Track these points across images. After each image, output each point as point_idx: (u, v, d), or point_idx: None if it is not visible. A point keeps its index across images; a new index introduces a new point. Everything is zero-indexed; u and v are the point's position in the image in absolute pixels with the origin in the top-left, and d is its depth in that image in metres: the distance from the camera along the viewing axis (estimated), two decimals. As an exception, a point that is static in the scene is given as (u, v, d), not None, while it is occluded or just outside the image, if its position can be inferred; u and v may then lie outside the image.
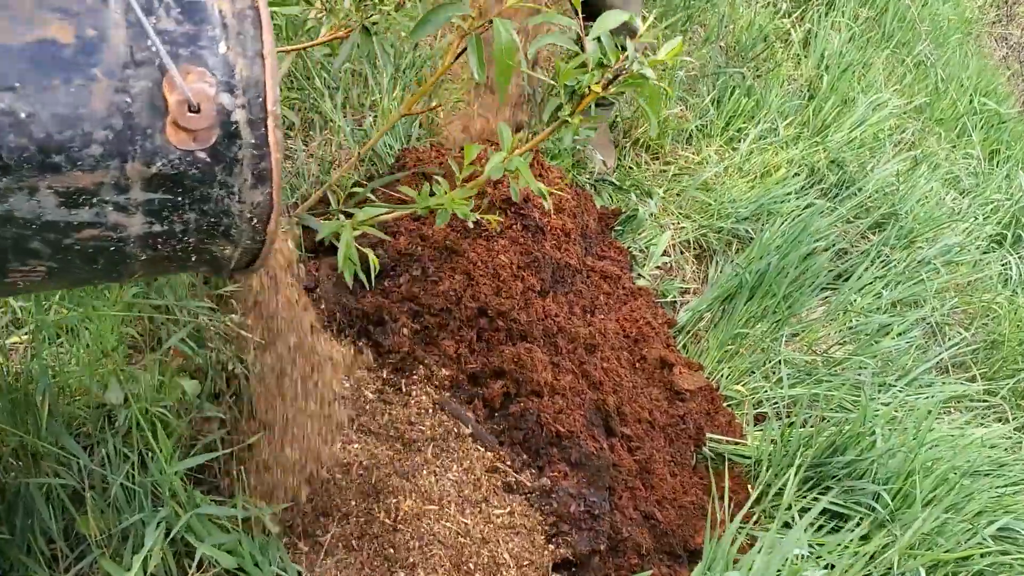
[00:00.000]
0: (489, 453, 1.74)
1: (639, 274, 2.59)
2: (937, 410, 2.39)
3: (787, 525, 1.83)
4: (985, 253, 3.48)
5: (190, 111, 0.70)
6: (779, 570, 1.50)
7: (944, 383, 2.70)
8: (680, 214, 2.87)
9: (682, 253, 2.79)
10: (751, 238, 2.84)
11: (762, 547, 1.49)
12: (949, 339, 2.95)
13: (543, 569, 1.64)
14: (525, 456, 1.78)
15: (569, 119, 1.39)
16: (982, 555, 1.92)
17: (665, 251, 2.72)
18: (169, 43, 0.70)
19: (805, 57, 3.90)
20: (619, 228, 2.69)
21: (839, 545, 1.79)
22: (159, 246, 0.77)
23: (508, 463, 1.75)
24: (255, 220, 0.80)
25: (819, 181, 3.23)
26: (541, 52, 2.60)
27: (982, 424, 2.53)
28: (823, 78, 3.73)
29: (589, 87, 1.34)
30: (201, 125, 0.71)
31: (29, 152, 0.66)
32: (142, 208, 0.73)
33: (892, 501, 1.90)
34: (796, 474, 1.82)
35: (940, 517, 1.86)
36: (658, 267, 2.69)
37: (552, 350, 1.94)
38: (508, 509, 1.68)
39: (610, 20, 1.31)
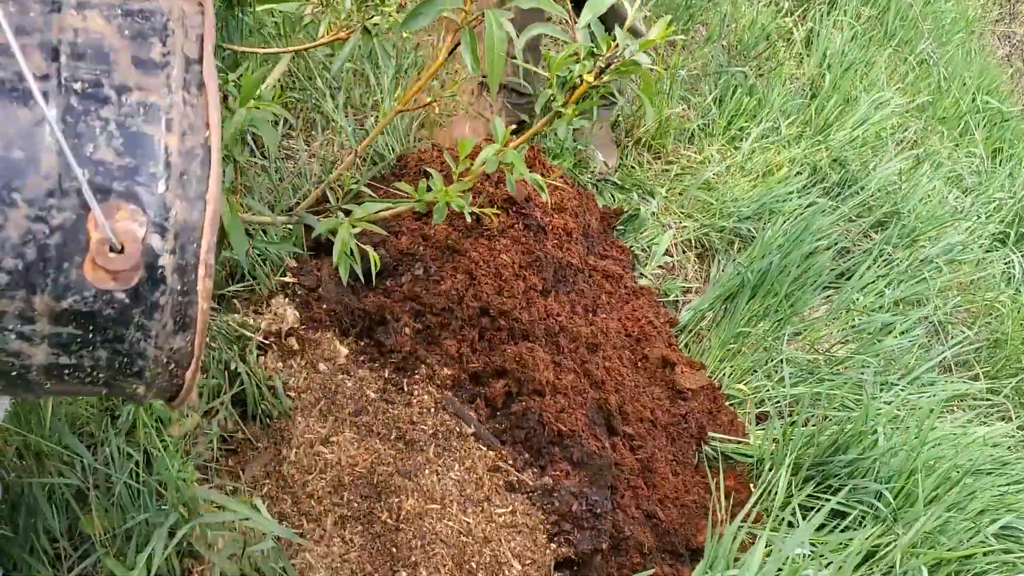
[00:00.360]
0: (491, 452, 1.75)
1: (641, 273, 2.59)
2: (940, 409, 2.39)
3: (789, 524, 1.83)
4: (988, 252, 3.47)
5: (112, 251, 0.65)
6: (780, 569, 1.50)
7: (947, 382, 2.70)
8: (682, 213, 2.87)
9: (684, 252, 2.79)
10: (753, 237, 2.84)
11: (764, 546, 1.49)
12: (952, 338, 2.95)
13: (545, 568, 1.64)
14: (527, 455, 1.78)
15: (562, 110, 1.39)
16: (984, 554, 1.92)
17: (667, 250, 2.72)
18: (103, 175, 0.65)
19: (807, 56, 3.90)
20: (621, 227, 2.69)
21: (841, 544, 1.80)
22: (66, 377, 0.73)
23: (510, 462, 1.75)
24: (173, 366, 0.75)
25: (821, 180, 3.22)
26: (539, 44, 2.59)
27: (984, 423, 2.53)
28: (825, 77, 3.73)
29: (581, 77, 1.34)
30: (122, 266, 0.66)
31: None
32: (48, 340, 0.68)
33: (894, 500, 1.90)
34: (798, 473, 1.83)
35: (942, 516, 1.86)
36: (660, 266, 2.69)
37: (554, 349, 1.94)
38: (510, 508, 1.68)
39: (598, 5, 1.30)
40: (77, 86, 0.64)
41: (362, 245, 1.53)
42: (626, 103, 3.03)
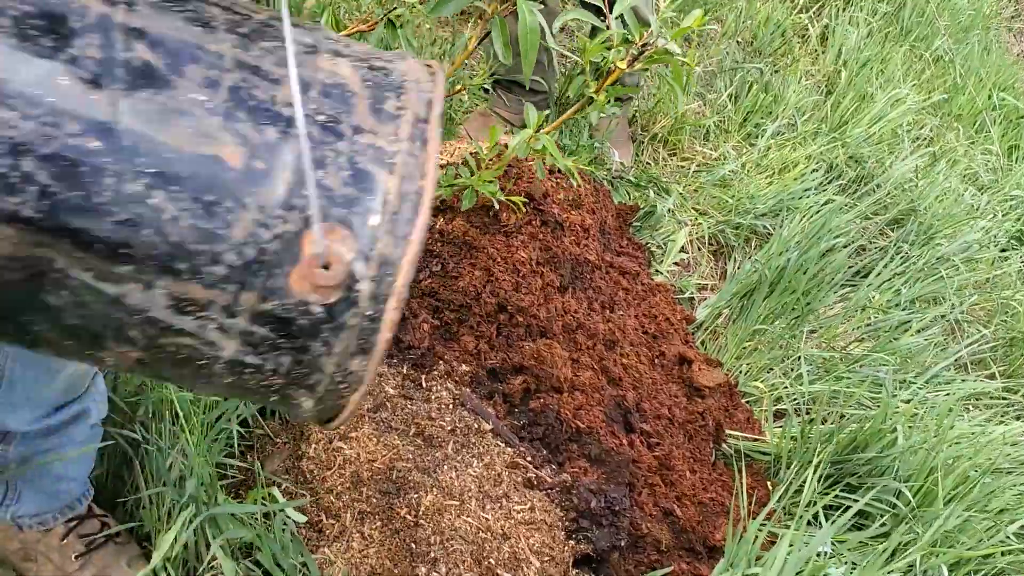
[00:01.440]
0: (509, 449, 1.74)
1: (657, 270, 2.58)
2: (958, 408, 2.38)
3: (808, 523, 1.82)
4: (1004, 250, 3.45)
5: (321, 267, 0.71)
6: (801, 569, 1.50)
7: (963, 380, 2.69)
8: (698, 210, 2.86)
9: (700, 249, 2.78)
10: (769, 234, 2.83)
11: (786, 545, 1.49)
12: (968, 336, 2.93)
13: (564, 565, 1.64)
14: (545, 452, 1.78)
15: (595, 96, 1.39)
16: (1003, 553, 1.91)
17: (683, 247, 2.71)
18: (327, 199, 0.71)
19: (823, 52, 3.88)
20: (637, 224, 2.68)
21: (861, 543, 1.79)
22: (244, 375, 0.77)
23: (528, 459, 1.74)
24: (344, 386, 0.79)
25: (837, 177, 3.21)
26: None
27: (1002, 422, 2.51)
28: (841, 73, 3.71)
29: (615, 64, 1.34)
30: (326, 283, 0.71)
31: (158, 251, 0.68)
32: (241, 337, 0.74)
33: (914, 498, 1.89)
34: (816, 471, 1.82)
35: (962, 515, 1.85)
36: (676, 263, 2.68)
37: (572, 346, 1.94)
38: (529, 505, 1.68)
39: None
40: (320, 118, 0.71)
41: None
42: (641, 99, 3.02)
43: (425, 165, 0.75)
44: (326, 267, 0.71)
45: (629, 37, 1.28)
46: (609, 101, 1.41)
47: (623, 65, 1.31)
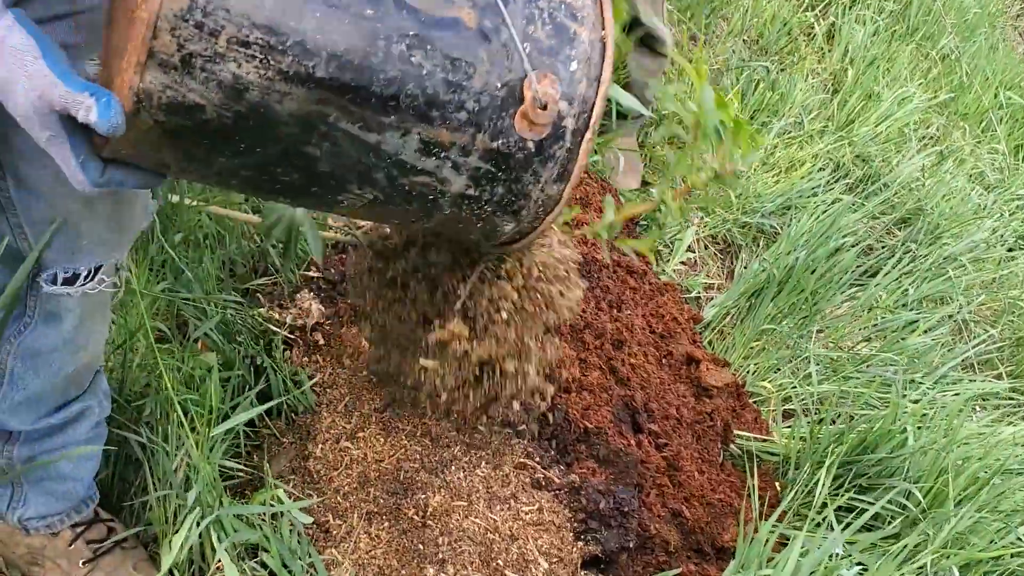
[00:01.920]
0: (517, 449, 1.73)
1: (663, 270, 2.57)
2: (967, 408, 2.36)
3: (817, 524, 1.81)
4: (1011, 250, 3.43)
5: (539, 108, 0.86)
6: (814, 571, 1.48)
7: (971, 380, 2.67)
8: (705, 209, 2.85)
9: (707, 248, 2.77)
10: (777, 233, 2.82)
11: (799, 547, 1.47)
12: (975, 336, 2.92)
13: (572, 566, 1.63)
14: (553, 452, 1.76)
15: (670, 203, 1.41)
16: (1012, 555, 1.90)
17: (690, 246, 2.70)
18: (536, 50, 0.86)
19: (829, 51, 3.86)
20: (644, 223, 2.67)
21: (872, 545, 1.78)
22: (463, 207, 0.92)
23: (536, 459, 1.73)
24: (542, 209, 0.95)
25: (844, 176, 3.20)
26: None
27: (1011, 423, 2.50)
28: (847, 72, 3.69)
29: (692, 182, 1.36)
30: (542, 121, 0.87)
31: (418, 102, 0.82)
32: (470, 172, 0.88)
33: (924, 499, 1.88)
34: (824, 469, 1.80)
35: (973, 516, 1.84)
36: (683, 262, 2.67)
37: (579, 346, 1.92)
38: (537, 506, 1.67)
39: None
40: None
41: None
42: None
43: (604, 17, 0.90)
44: (543, 108, 0.86)
45: (716, 168, 1.30)
46: (683, 214, 1.42)
47: (700, 185, 1.34)
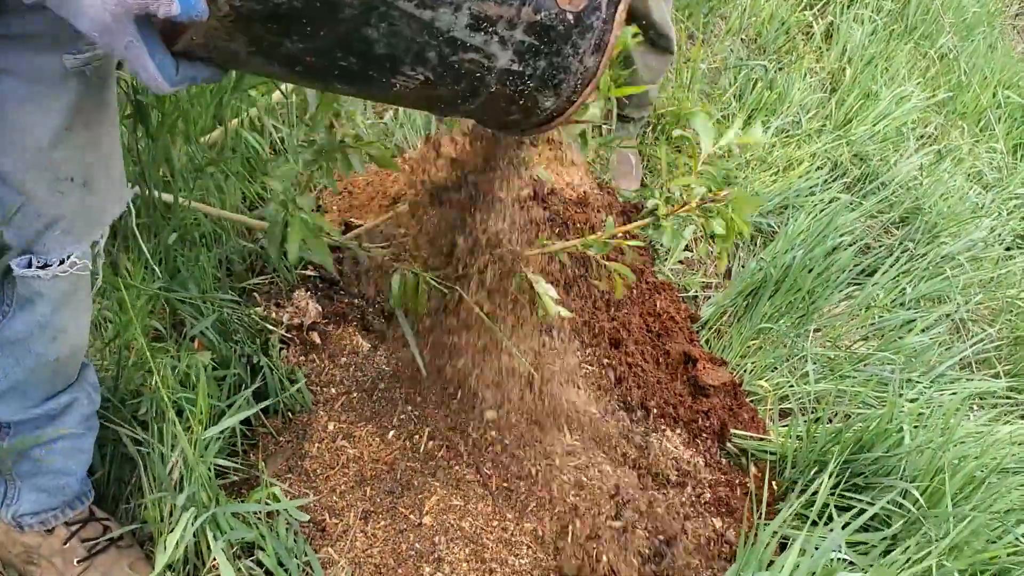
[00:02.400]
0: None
1: (661, 269, 2.57)
2: (965, 407, 2.36)
3: (813, 523, 1.81)
4: (1009, 249, 3.43)
5: None
6: (813, 572, 1.48)
7: (968, 379, 2.67)
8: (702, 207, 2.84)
9: (704, 247, 2.77)
10: (774, 232, 2.81)
11: (798, 549, 1.47)
12: (972, 335, 2.92)
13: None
14: (550, 451, 1.76)
15: (664, 222, 1.45)
16: (1008, 554, 1.89)
17: (687, 246, 2.69)
18: None
19: (827, 50, 3.86)
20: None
21: (870, 545, 1.77)
22: (507, 83, 0.97)
23: (533, 458, 1.73)
24: (580, 82, 1.00)
25: (842, 175, 3.19)
26: None
27: (1007, 422, 2.50)
28: (846, 71, 3.69)
29: (689, 199, 1.39)
30: None
31: None
32: (514, 46, 0.93)
33: (921, 497, 1.87)
34: (826, 471, 1.80)
35: (971, 516, 1.84)
36: (680, 262, 2.67)
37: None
38: (533, 505, 1.67)
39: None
40: None
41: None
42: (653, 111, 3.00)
43: None
44: None
45: (712, 188, 1.33)
46: (676, 228, 1.45)
47: (694, 203, 1.36)
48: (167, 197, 1.66)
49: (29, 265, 1.13)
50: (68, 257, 1.15)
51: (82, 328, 1.27)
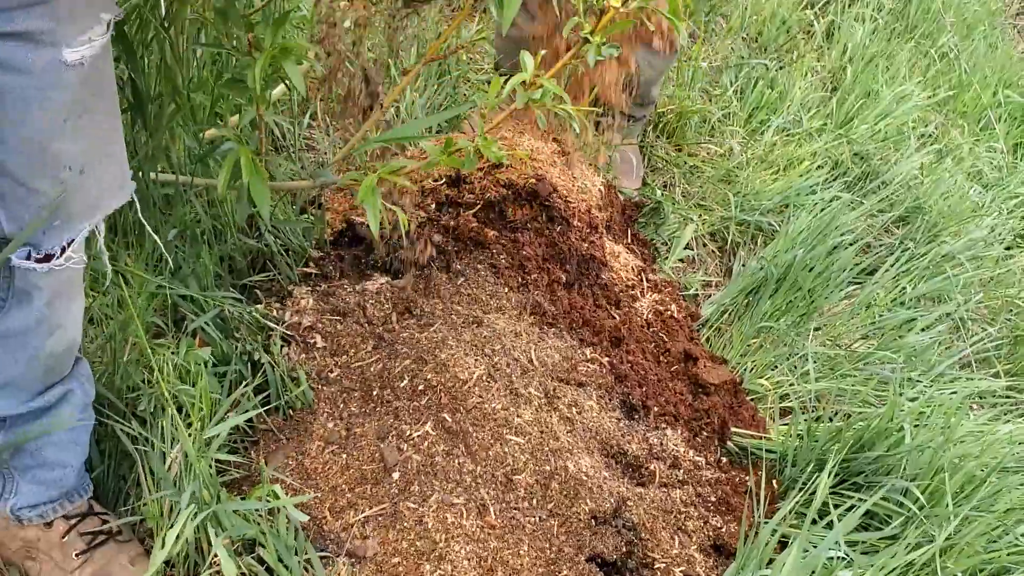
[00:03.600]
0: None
1: (661, 267, 2.57)
2: (965, 406, 2.36)
3: (813, 521, 1.81)
4: (1009, 248, 3.43)
5: None
6: (813, 571, 1.48)
7: (968, 379, 2.67)
8: (703, 206, 2.85)
9: (705, 246, 2.77)
10: (775, 231, 2.81)
11: (798, 547, 1.47)
12: (973, 334, 2.92)
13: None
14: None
15: (590, 37, 1.37)
16: (1009, 554, 1.90)
17: (688, 244, 2.69)
18: None
19: (828, 49, 3.86)
20: (642, 220, 2.67)
21: (870, 543, 1.78)
22: None
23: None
24: None
25: (843, 174, 3.19)
26: None
27: (1008, 421, 2.50)
28: (847, 70, 3.69)
29: (608, 3, 1.33)
30: None
31: None
32: None
33: (922, 496, 1.87)
34: (826, 470, 1.80)
35: (971, 516, 1.84)
36: (681, 260, 2.67)
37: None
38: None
39: None
40: None
41: (390, 205, 1.48)
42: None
43: None
44: None
45: None
46: (604, 43, 1.38)
47: (616, 3, 1.29)
48: (166, 177, 1.65)
49: (28, 257, 1.13)
50: (68, 246, 1.15)
51: (77, 322, 1.28)
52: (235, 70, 1.35)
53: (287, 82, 1.38)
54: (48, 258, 1.14)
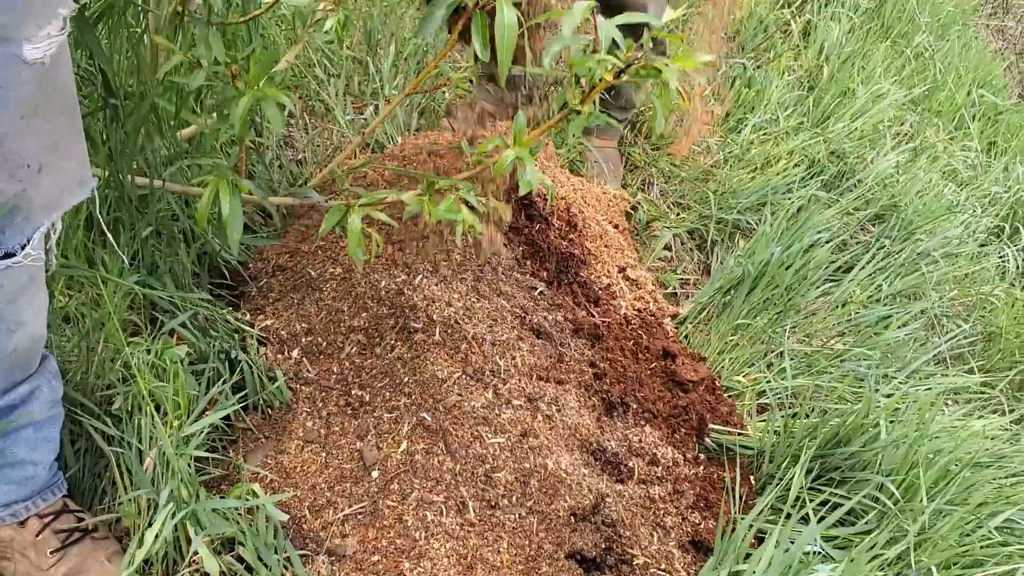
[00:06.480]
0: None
1: (641, 265, 2.58)
2: (940, 403, 2.39)
3: (787, 516, 1.83)
4: (983, 245, 3.48)
5: None
6: (789, 566, 1.50)
7: (943, 375, 2.70)
8: (681, 204, 2.86)
9: (683, 244, 2.78)
10: (752, 229, 2.83)
11: (774, 543, 1.49)
12: (947, 331, 2.95)
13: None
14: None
15: (579, 108, 1.37)
16: (982, 547, 1.92)
17: (667, 243, 2.71)
18: None
19: (805, 48, 3.89)
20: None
21: (845, 538, 1.79)
22: None
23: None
24: None
25: (820, 172, 3.22)
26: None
27: (981, 416, 2.53)
28: (823, 69, 3.72)
29: (601, 77, 1.31)
30: None
31: None
32: None
33: (896, 490, 1.89)
34: (800, 466, 1.82)
35: (945, 509, 1.86)
36: (660, 258, 2.68)
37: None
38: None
39: (632, 19, 1.28)
40: None
41: (366, 228, 1.49)
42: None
43: None
44: None
45: (617, 53, 1.26)
46: (592, 113, 1.38)
47: (609, 77, 1.29)
48: (141, 181, 1.64)
49: None
50: (28, 243, 1.14)
51: (40, 318, 1.26)
52: (217, 94, 1.35)
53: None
54: (8, 255, 1.13)
